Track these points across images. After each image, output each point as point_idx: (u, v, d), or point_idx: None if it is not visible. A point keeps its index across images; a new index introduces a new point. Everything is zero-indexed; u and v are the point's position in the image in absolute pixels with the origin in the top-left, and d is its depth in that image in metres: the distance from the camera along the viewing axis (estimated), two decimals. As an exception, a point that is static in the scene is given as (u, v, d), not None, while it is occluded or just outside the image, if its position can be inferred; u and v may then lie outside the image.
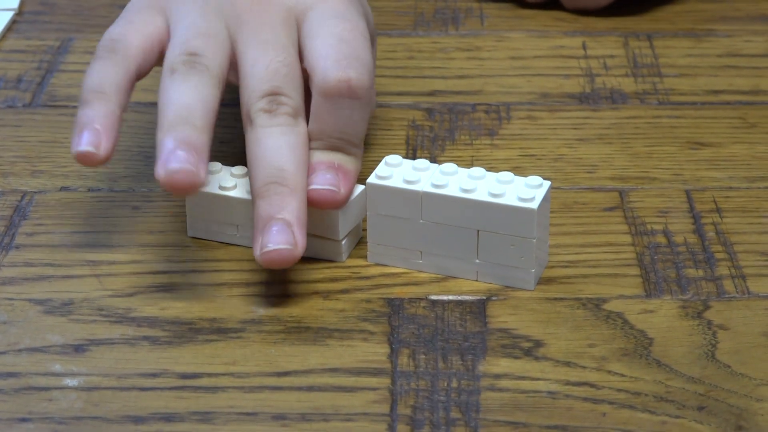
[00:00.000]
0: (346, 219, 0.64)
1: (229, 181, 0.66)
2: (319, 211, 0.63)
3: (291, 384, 0.58)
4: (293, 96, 0.63)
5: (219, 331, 0.61)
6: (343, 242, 0.64)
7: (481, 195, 0.62)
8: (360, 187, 0.65)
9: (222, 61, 0.64)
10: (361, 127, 0.65)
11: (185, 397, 0.57)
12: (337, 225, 0.63)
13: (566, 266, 0.65)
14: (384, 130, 0.77)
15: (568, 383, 0.57)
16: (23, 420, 0.56)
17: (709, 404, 0.56)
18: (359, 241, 0.66)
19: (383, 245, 0.65)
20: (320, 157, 0.64)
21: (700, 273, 0.64)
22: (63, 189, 0.72)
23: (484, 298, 0.63)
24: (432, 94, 0.81)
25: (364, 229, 0.65)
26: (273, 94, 0.63)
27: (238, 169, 0.66)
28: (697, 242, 0.67)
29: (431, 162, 0.66)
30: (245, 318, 0.62)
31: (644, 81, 0.82)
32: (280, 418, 0.56)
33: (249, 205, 0.65)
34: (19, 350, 0.60)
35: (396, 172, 0.64)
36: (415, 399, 0.57)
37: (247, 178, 0.66)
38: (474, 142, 0.76)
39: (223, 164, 0.67)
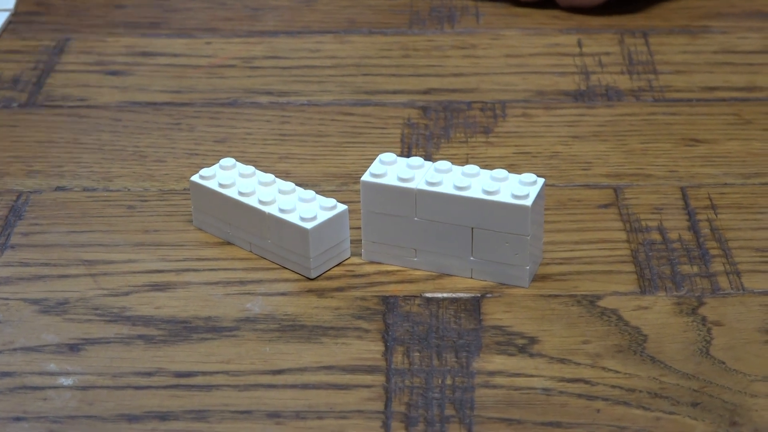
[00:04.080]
0: (318, 240, 0.64)
1: (227, 179, 0.66)
2: (293, 229, 0.63)
3: (285, 382, 0.58)
4: None
5: (214, 329, 0.61)
6: (312, 260, 0.64)
7: (475, 192, 0.62)
8: (340, 208, 0.64)
9: None
10: None
11: (180, 395, 0.57)
12: (308, 245, 0.63)
13: (561, 263, 0.65)
14: (379, 128, 0.77)
15: (562, 380, 0.57)
16: (18, 419, 0.56)
17: (703, 400, 0.56)
18: (355, 240, 0.66)
19: (378, 243, 0.65)
20: None
21: (695, 269, 0.64)
22: (58, 189, 0.72)
23: (479, 295, 0.63)
24: (427, 92, 0.81)
25: (358, 228, 0.65)
26: None
27: (246, 169, 0.66)
28: (691, 239, 0.67)
29: (426, 160, 0.66)
30: (240, 316, 0.62)
31: (639, 78, 0.82)
32: (274, 416, 0.56)
33: (240, 205, 0.65)
34: (14, 349, 0.60)
35: (390, 170, 0.64)
36: (409, 396, 0.57)
37: (247, 179, 0.66)
38: (469, 139, 0.76)
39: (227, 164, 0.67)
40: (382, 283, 0.64)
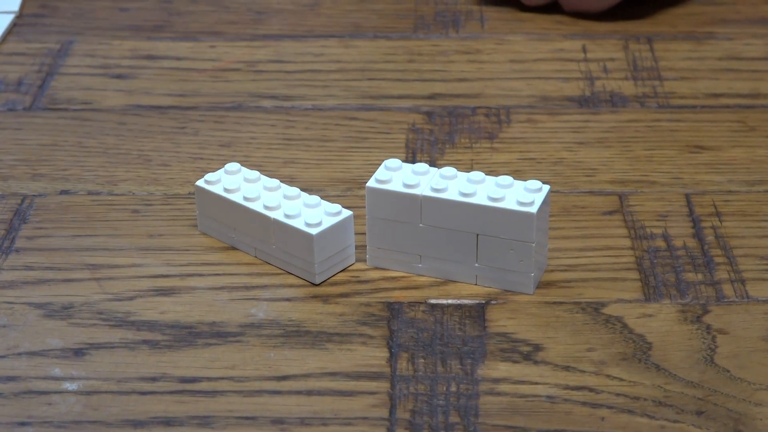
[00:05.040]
0: (323, 245, 0.64)
1: (232, 184, 0.66)
2: (298, 235, 0.63)
3: (290, 388, 0.58)
4: None
5: (218, 335, 0.61)
6: (317, 265, 0.64)
7: (480, 199, 0.62)
8: (345, 214, 0.64)
9: None
10: None
11: (185, 401, 0.57)
12: (313, 251, 0.63)
13: (565, 270, 0.65)
14: (383, 134, 0.77)
15: (566, 387, 0.57)
16: (23, 424, 0.56)
17: (707, 409, 0.56)
18: (360, 246, 0.66)
19: (383, 249, 0.65)
20: None
21: (700, 277, 0.64)
22: (63, 192, 0.72)
23: (484, 302, 0.63)
24: (432, 97, 0.81)
25: (363, 234, 0.65)
26: None
27: (251, 174, 0.66)
28: (696, 246, 0.67)
29: (431, 166, 0.66)
30: (245, 322, 0.62)
31: (644, 84, 0.82)
32: (279, 422, 0.56)
33: (245, 210, 0.65)
34: (19, 354, 0.60)
35: (395, 176, 0.64)
36: (414, 403, 0.57)
37: (252, 184, 0.66)
38: (474, 145, 0.76)
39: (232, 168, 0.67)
40: (386, 289, 0.64)
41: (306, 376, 0.58)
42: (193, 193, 0.70)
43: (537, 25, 0.90)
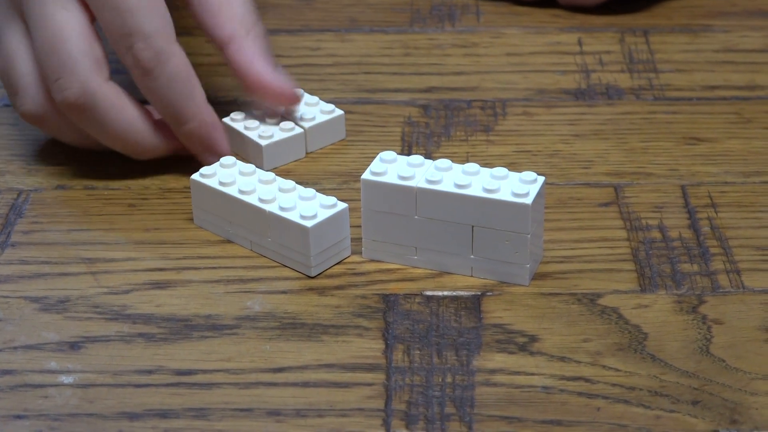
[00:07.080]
0: (319, 238, 0.64)
1: (228, 177, 0.66)
2: (294, 228, 0.63)
3: (286, 380, 0.58)
4: None
5: (214, 327, 0.61)
6: (312, 258, 0.64)
7: (475, 190, 0.62)
8: (340, 206, 0.64)
9: None
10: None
11: (180, 393, 0.57)
12: (309, 243, 0.63)
13: (561, 261, 0.65)
14: (379, 127, 0.77)
15: (562, 378, 0.57)
16: (19, 417, 0.56)
17: (703, 398, 0.56)
18: (356, 238, 0.66)
19: (378, 241, 0.65)
20: None
21: (695, 268, 0.64)
22: (59, 187, 0.72)
23: (479, 293, 0.63)
24: (428, 90, 0.81)
25: (359, 226, 0.65)
26: None
27: (247, 167, 0.66)
28: (692, 237, 0.67)
29: (426, 158, 0.66)
30: (240, 314, 0.62)
31: (640, 76, 0.82)
32: (275, 413, 0.56)
33: (240, 203, 0.65)
34: (15, 347, 0.60)
35: (390, 168, 0.64)
36: (409, 394, 0.57)
37: (248, 177, 0.66)
38: (470, 138, 0.76)
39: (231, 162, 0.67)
40: (382, 281, 0.64)
41: (302, 368, 0.58)
42: (189, 187, 0.70)
43: (533, 18, 0.90)
